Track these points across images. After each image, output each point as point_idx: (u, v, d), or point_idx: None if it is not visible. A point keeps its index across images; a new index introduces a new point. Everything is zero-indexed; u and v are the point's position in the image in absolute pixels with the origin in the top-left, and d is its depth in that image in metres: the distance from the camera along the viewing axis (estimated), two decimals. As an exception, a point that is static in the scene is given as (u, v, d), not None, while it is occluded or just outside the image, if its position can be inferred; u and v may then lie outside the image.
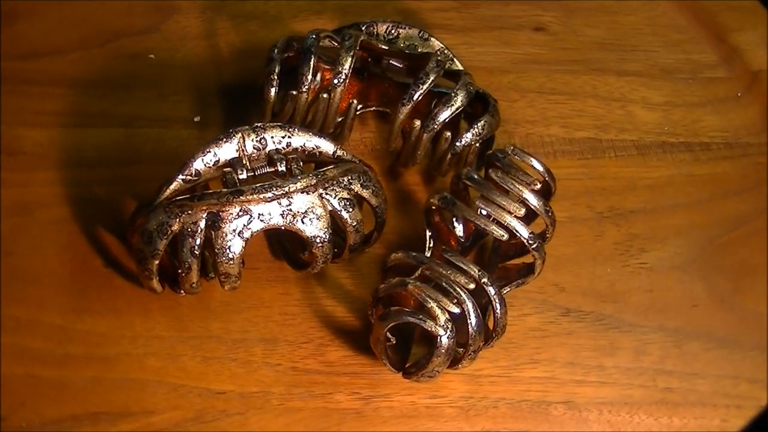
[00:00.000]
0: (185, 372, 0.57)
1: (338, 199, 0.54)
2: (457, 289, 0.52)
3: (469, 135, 0.60)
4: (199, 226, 0.52)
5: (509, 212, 0.55)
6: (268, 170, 0.54)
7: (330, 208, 0.53)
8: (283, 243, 0.60)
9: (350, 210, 0.54)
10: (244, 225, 0.52)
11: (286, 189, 0.52)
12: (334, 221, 0.55)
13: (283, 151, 0.54)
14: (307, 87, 0.60)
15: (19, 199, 0.61)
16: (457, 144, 0.60)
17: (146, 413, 0.55)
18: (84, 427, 0.55)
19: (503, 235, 0.55)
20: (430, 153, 0.62)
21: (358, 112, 0.65)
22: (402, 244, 0.61)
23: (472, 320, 0.52)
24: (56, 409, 0.55)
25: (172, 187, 0.54)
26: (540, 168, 0.57)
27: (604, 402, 0.59)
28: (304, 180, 0.52)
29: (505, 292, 0.57)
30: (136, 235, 0.54)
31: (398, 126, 0.61)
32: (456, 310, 0.52)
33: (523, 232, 0.55)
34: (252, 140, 0.54)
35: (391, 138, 0.62)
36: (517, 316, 0.60)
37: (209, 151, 0.53)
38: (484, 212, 0.55)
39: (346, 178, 0.54)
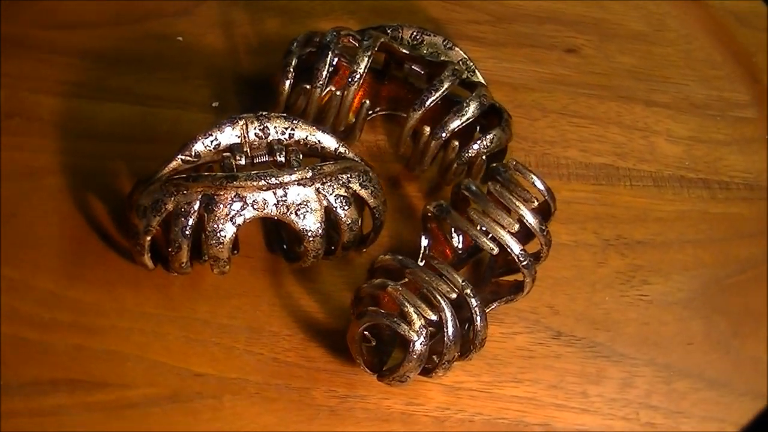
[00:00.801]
0: (168, 350, 0.57)
1: (335, 196, 0.54)
2: (438, 296, 0.52)
3: (475, 146, 0.59)
4: (192, 206, 0.52)
5: (502, 226, 0.54)
6: (267, 159, 0.55)
7: (325, 203, 0.54)
8: (280, 233, 0.60)
9: (346, 208, 0.54)
10: (237, 211, 0.52)
11: (280, 180, 0.52)
12: (330, 217, 0.55)
13: (284, 142, 0.55)
14: (321, 82, 0.60)
15: (31, 164, 0.62)
16: (464, 154, 0.60)
17: (123, 386, 0.56)
18: (60, 393, 0.55)
19: (493, 249, 0.55)
20: (438, 161, 0.62)
21: (373, 114, 0.65)
22: (401, 249, 0.61)
23: (449, 329, 0.52)
24: (36, 371, 0.55)
25: (171, 165, 0.54)
26: (540, 186, 0.56)
27: (583, 429, 0.58)
28: (300, 172, 0.52)
29: (493, 307, 0.57)
30: (132, 210, 0.55)
31: (408, 130, 0.61)
32: (433, 317, 0.52)
33: (515, 247, 0.54)
34: (255, 128, 0.54)
35: (399, 142, 0.62)
36: (507, 333, 0.60)
37: (211, 134, 0.54)
38: (477, 224, 0.55)
39: (344, 176, 0.54)
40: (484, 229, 0.55)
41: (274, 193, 0.52)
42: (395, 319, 0.51)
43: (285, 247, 0.59)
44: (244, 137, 0.54)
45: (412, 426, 0.57)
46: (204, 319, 0.58)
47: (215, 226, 0.52)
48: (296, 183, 0.52)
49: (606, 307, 0.62)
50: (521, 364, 0.59)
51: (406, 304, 0.51)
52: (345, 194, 0.54)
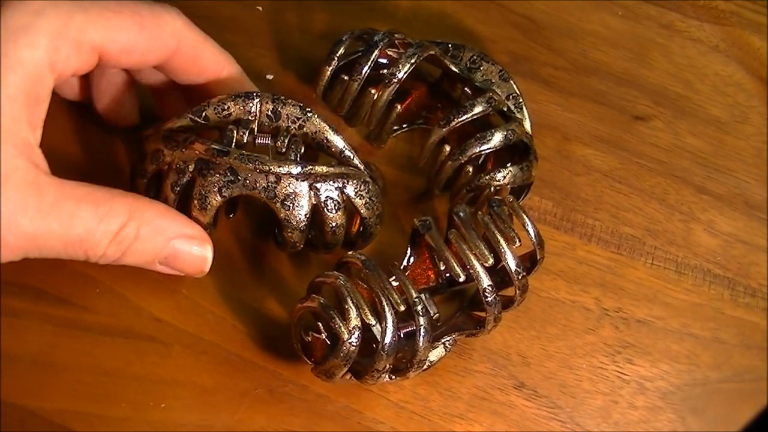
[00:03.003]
0: (137, 289, 0.59)
1: (326, 196, 0.54)
2: (384, 304, 0.51)
3: (486, 177, 0.59)
4: (188, 166, 0.53)
5: (477, 257, 0.53)
6: (270, 143, 0.55)
7: (314, 201, 0.54)
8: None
9: (333, 212, 0.54)
10: (228, 183, 0.53)
11: (269, 168, 0.52)
12: (316, 216, 0.55)
13: (291, 131, 0.55)
14: (359, 76, 0.60)
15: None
16: (474, 182, 0.59)
17: (84, 309, 0.58)
18: (25, 298, 0.57)
19: (460, 276, 0.54)
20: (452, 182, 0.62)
21: (415, 126, 0.65)
22: (393, 256, 0.60)
23: (385, 339, 0.51)
24: (8, 275, 0.57)
25: (180, 122, 0.55)
26: (530, 231, 0.55)
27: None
28: (290, 167, 0.53)
29: (451, 337, 0.56)
30: (137, 149, 0.56)
31: (429, 145, 0.61)
32: (372, 321, 0.51)
33: (483, 281, 0.53)
34: (267, 109, 0.55)
35: (420, 155, 0.62)
36: (469, 368, 0.59)
37: (224, 104, 0.54)
38: (453, 248, 0.54)
39: (340, 180, 0.55)
40: (457, 254, 0.54)
41: (266, 177, 0.53)
42: (331, 312, 0.51)
43: (276, 231, 0.60)
44: (255, 115, 0.55)
45: (340, 423, 0.57)
46: (183, 270, 0.59)
47: (202, 191, 0.53)
48: (285, 175, 0.53)
49: (580, 374, 0.60)
50: (473, 402, 0.58)
51: (348, 301, 0.51)
52: (337, 198, 0.54)
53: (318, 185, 0.54)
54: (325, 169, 0.54)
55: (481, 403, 0.58)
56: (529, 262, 0.56)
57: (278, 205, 0.53)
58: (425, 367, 0.56)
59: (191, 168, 0.53)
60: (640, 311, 0.62)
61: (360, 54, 0.62)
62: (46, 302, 0.57)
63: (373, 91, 0.61)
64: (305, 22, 0.70)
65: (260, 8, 0.70)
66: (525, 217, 0.55)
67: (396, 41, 0.62)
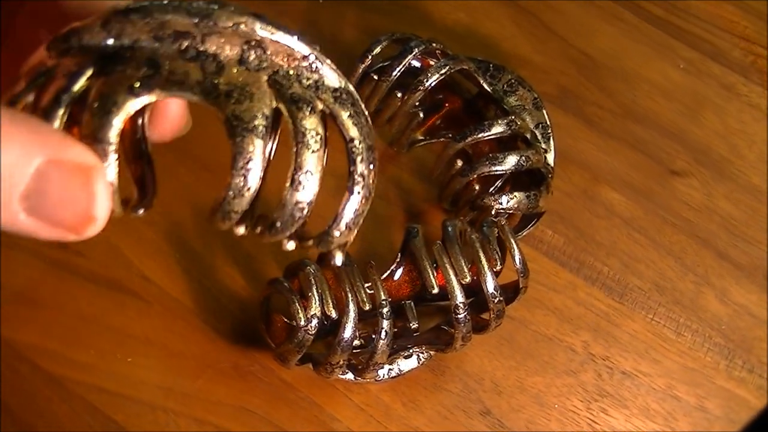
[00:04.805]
0: (134, 245, 0.61)
1: (291, 95, 0.33)
2: (349, 300, 0.51)
3: (489, 199, 0.58)
4: (85, 68, 0.32)
5: (455, 272, 0.53)
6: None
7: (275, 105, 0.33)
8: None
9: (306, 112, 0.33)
10: (145, 79, 0.31)
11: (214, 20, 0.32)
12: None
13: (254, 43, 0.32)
14: (388, 78, 0.61)
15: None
16: (478, 201, 0.59)
17: (78, 253, 0.60)
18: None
19: (434, 287, 0.54)
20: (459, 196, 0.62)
21: (442, 138, 0.65)
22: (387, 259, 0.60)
23: (343, 334, 0.51)
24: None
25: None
26: (516, 259, 0.54)
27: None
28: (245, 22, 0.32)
29: (419, 349, 0.56)
30: None
31: (442, 158, 0.61)
32: (334, 315, 0.52)
33: (456, 297, 0.53)
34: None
35: (434, 167, 0.62)
36: (439, 385, 0.59)
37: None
38: (434, 259, 0.54)
39: (314, 77, 0.33)
40: (436, 266, 0.54)
41: (202, 67, 0.32)
42: (294, 297, 0.51)
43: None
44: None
45: (297, 413, 0.57)
46: (183, 236, 0.61)
47: (107, 91, 0.31)
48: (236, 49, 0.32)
49: (550, 414, 0.59)
50: (434, 419, 0.58)
51: (313, 289, 0.51)
52: (307, 98, 0.32)
53: (279, 78, 0.32)
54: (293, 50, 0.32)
55: (442, 422, 0.58)
56: (513, 291, 0.56)
57: (221, 100, 0.32)
58: (394, 374, 0.56)
59: (89, 71, 0.32)
60: (628, 363, 0.61)
61: (393, 57, 0.62)
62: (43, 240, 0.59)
63: (399, 95, 0.61)
64: (362, 21, 0.71)
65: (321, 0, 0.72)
66: (513, 243, 0.54)
67: (435, 50, 0.62)
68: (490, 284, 0.53)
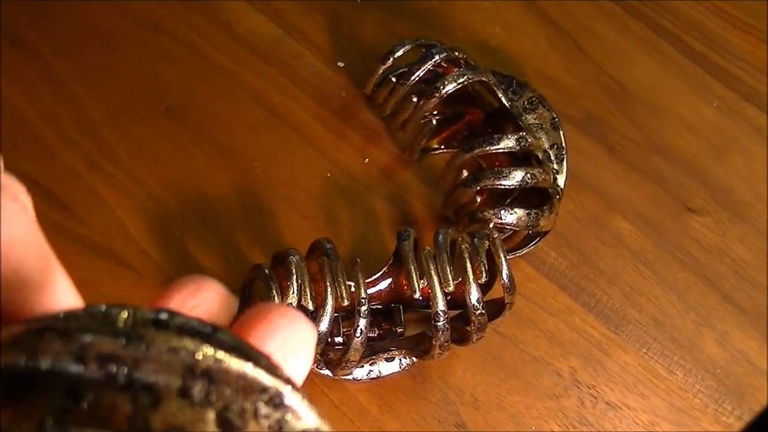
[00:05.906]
0: (136, 218, 0.61)
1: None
2: (328, 293, 0.52)
3: (488, 213, 0.58)
4: None
5: (439, 280, 0.53)
6: None
7: None
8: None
9: None
10: (66, 411, 0.23)
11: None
12: None
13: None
14: (407, 82, 0.61)
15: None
16: (480, 213, 0.59)
17: (81, 221, 0.61)
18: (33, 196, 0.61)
19: (416, 291, 0.54)
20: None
21: (446, 150, 0.65)
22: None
23: (319, 327, 0.51)
24: (32, 168, 0.61)
25: None
26: (504, 274, 0.54)
27: None
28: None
29: (398, 353, 0.56)
30: None
31: (449, 167, 0.61)
32: (310, 306, 0.52)
33: (438, 304, 0.53)
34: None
35: (441, 175, 0.62)
36: (419, 393, 0.59)
37: None
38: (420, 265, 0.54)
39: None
40: (422, 273, 0.54)
41: (134, 399, 0.23)
42: (271, 283, 0.52)
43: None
44: None
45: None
46: (186, 216, 0.61)
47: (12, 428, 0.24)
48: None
49: (526, 434, 0.58)
50: (407, 425, 0.58)
51: (292, 279, 0.52)
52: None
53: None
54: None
55: (415, 429, 0.58)
56: (498, 306, 0.55)
57: None
58: (373, 376, 0.56)
59: None
60: (613, 395, 0.60)
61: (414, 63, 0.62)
62: (50, 204, 0.61)
63: (415, 100, 0.61)
64: (391, 24, 0.71)
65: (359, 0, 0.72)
66: (502, 258, 0.54)
67: (458, 58, 0.62)
68: (473, 295, 0.53)
